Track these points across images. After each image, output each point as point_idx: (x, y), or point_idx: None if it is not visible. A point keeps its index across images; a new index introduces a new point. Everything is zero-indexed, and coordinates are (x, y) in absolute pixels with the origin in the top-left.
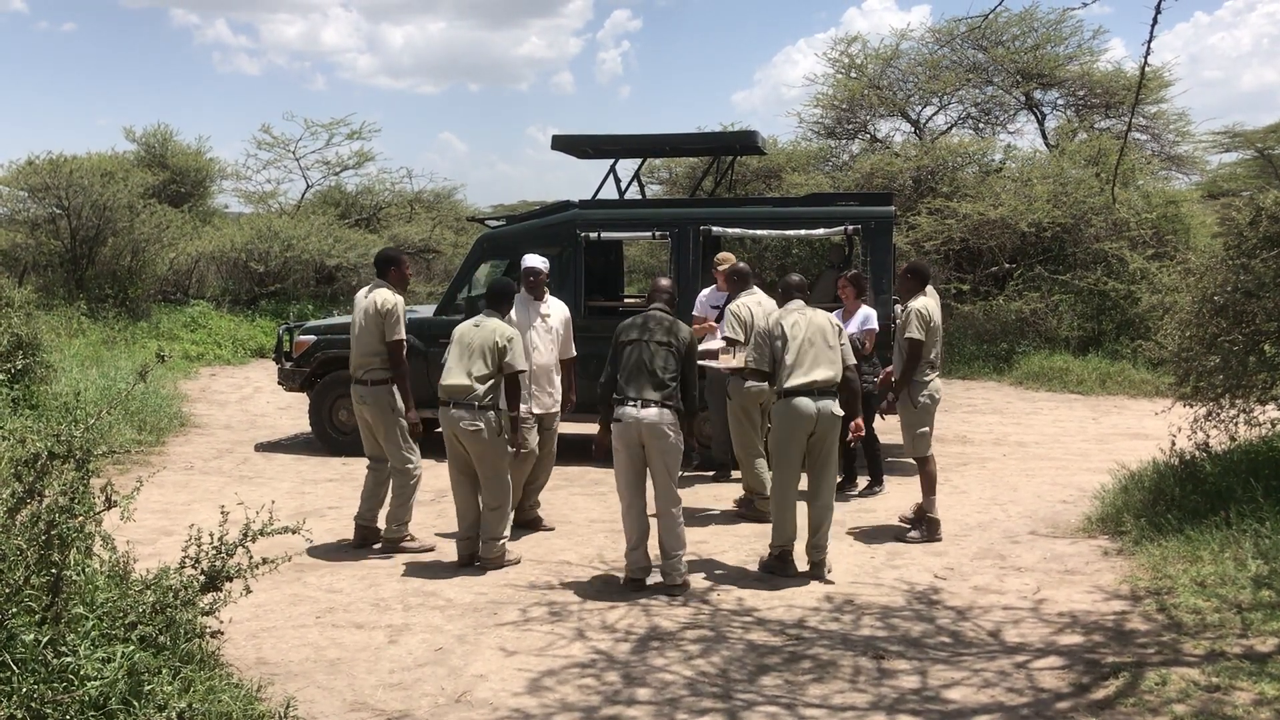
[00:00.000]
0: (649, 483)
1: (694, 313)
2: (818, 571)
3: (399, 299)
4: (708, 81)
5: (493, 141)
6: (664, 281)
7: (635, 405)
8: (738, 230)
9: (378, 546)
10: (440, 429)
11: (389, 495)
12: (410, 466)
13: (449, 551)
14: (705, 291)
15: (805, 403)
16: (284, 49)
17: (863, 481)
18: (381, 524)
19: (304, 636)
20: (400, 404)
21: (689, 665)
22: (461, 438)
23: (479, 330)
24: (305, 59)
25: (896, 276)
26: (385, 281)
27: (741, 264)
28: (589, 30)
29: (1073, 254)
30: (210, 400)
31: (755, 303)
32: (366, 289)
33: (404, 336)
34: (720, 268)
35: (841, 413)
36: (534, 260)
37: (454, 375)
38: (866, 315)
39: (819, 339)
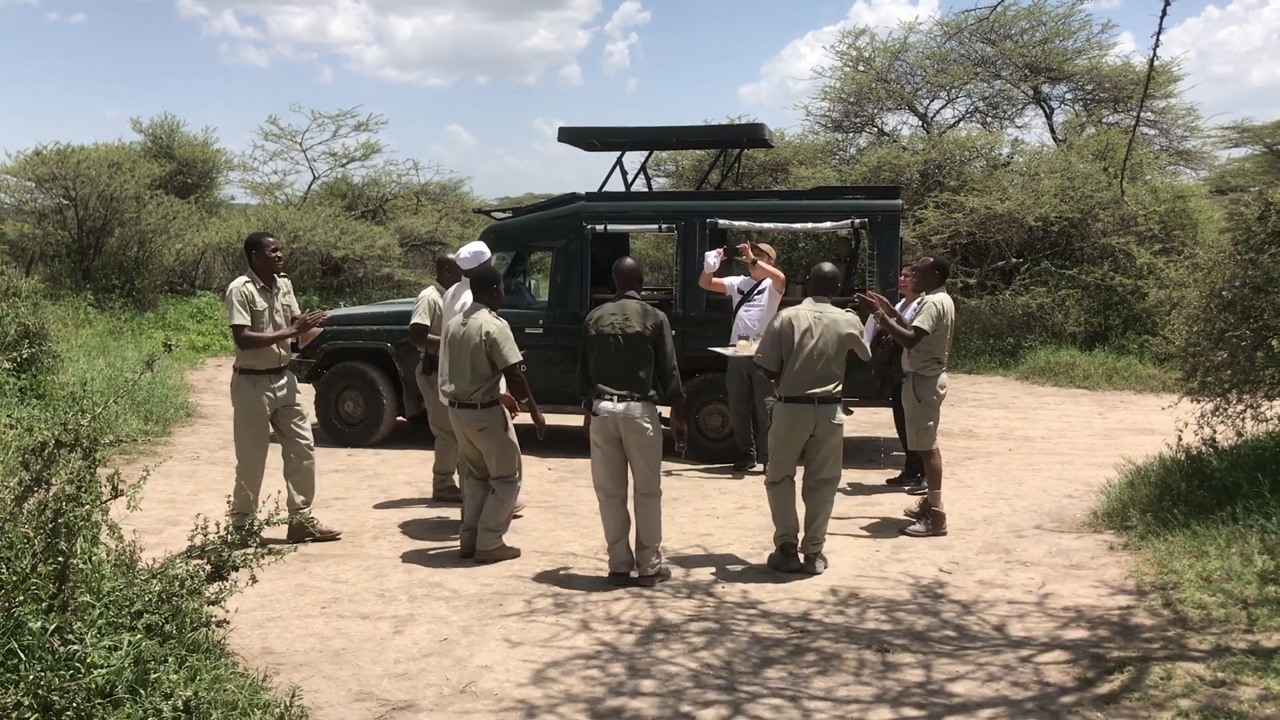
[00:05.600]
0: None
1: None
2: (810, 565)
3: (241, 281)
4: (715, 74)
5: (500, 134)
6: (629, 263)
7: (611, 399)
8: (744, 223)
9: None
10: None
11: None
12: (243, 466)
13: (444, 542)
14: (737, 280)
15: (805, 409)
16: (291, 41)
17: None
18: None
19: (309, 626)
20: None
21: (693, 657)
22: (470, 435)
23: (465, 330)
24: (312, 51)
25: (914, 270)
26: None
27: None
28: (597, 23)
29: (1080, 249)
30: (216, 391)
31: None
32: None
33: (236, 321)
34: (760, 255)
35: (843, 420)
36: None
37: (448, 384)
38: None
39: (829, 349)
